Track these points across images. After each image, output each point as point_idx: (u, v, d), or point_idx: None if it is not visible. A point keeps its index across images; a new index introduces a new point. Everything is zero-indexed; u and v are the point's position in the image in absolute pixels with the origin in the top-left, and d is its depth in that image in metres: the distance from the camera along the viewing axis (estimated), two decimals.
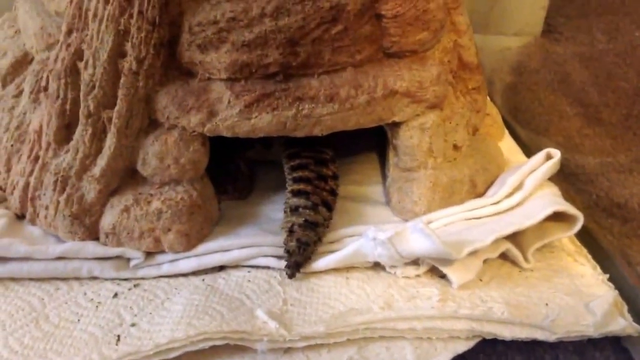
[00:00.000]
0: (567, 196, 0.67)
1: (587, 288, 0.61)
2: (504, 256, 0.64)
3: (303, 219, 0.62)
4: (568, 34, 0.99)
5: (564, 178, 0.71)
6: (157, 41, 0.57)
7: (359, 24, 0.60)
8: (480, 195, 0.69)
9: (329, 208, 0.65)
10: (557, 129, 0.85)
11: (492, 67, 0.95)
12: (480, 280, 0.61)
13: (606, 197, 0.73)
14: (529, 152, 0.80)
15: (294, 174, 0.67)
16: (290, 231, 0.61)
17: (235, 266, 0.62)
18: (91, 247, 0.59)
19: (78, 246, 0.59)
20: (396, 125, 0.66)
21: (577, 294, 0.60)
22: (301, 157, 0.68)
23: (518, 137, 0.84)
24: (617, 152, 0.78)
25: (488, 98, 0.78)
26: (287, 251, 0.60)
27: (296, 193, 0.65)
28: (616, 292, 0.61)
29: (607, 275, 0.63)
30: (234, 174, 0.71)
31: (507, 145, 0.80)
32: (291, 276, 0.60)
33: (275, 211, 0.68)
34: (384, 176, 0.73)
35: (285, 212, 0.64)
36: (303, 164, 0.67)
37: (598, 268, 0.64)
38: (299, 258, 0.60)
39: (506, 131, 0.84)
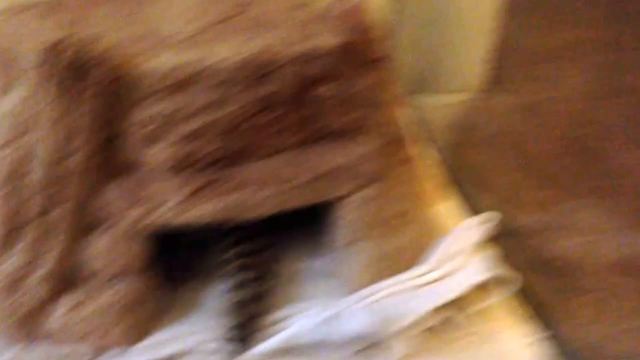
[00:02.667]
0: (505, 253, 0.69)
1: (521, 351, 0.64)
2: (445, 321, 0.66)
3: (248, 292, 0.64)
4: (510, 86, 1.01)
5: (503, 235, 0.73)
6: (101, 140, 0.58)
7: (296, 108, 0.62)
8: (423, 262, 0.71)
9: (271, 278, 0.67)
10: (497, 185, 0.87)
11: (434, 126, 0.97)
12: (423, 350, 0.63)
13: (544, 254, 0.75)
14: (472, 209, 0.81)
15: (232, 250, 0.68)
16: (236, 307, 0.63)
17: (188, 353, 0.62)
18: (41, 349, 0.60)
19: (27, 349, 0.60)
20: (338, 199, 0.68)
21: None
22: (237, 230, 0.68)
23: (461, 194, 0.86)
24: (552, 206, 0.80)
25: (429, 160, 0.81)
26: (235, 327, 0.62)
27: (238, 268, 0.66)
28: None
29: (544, 335, 0.65)
30: (175, 260, 0.72)
31: (449, 208, 0.82)
32: (242, 351, 0.61)
33: (219, 291, 0.67)
34: (326, 250, 0.75)
35: (229, 289, 0.65)
36: (239, 239, 0.68)
37: (534, 328, 0.66)
38: (246, 332, 0.62)
39: (449, 193, 0.85)
